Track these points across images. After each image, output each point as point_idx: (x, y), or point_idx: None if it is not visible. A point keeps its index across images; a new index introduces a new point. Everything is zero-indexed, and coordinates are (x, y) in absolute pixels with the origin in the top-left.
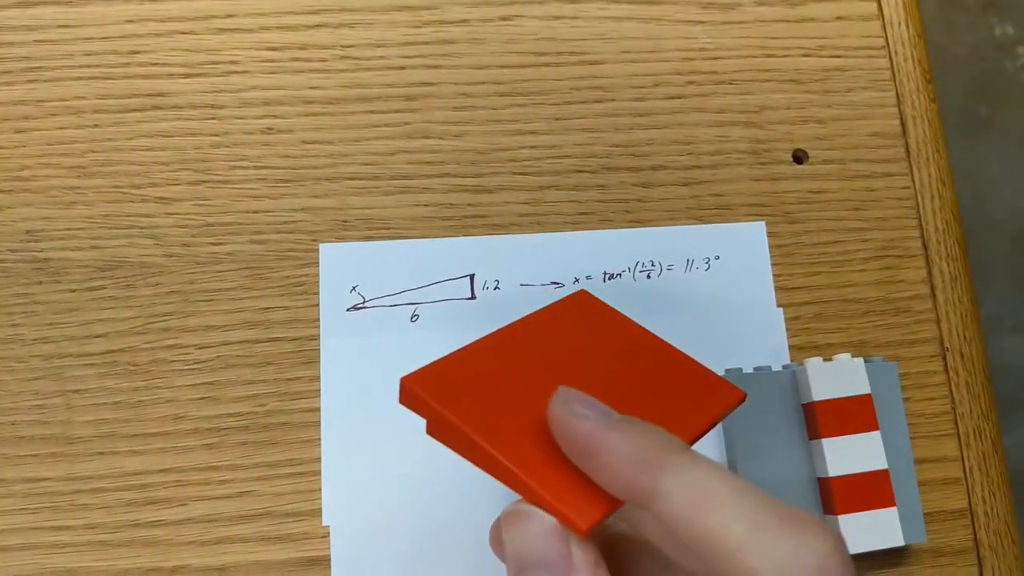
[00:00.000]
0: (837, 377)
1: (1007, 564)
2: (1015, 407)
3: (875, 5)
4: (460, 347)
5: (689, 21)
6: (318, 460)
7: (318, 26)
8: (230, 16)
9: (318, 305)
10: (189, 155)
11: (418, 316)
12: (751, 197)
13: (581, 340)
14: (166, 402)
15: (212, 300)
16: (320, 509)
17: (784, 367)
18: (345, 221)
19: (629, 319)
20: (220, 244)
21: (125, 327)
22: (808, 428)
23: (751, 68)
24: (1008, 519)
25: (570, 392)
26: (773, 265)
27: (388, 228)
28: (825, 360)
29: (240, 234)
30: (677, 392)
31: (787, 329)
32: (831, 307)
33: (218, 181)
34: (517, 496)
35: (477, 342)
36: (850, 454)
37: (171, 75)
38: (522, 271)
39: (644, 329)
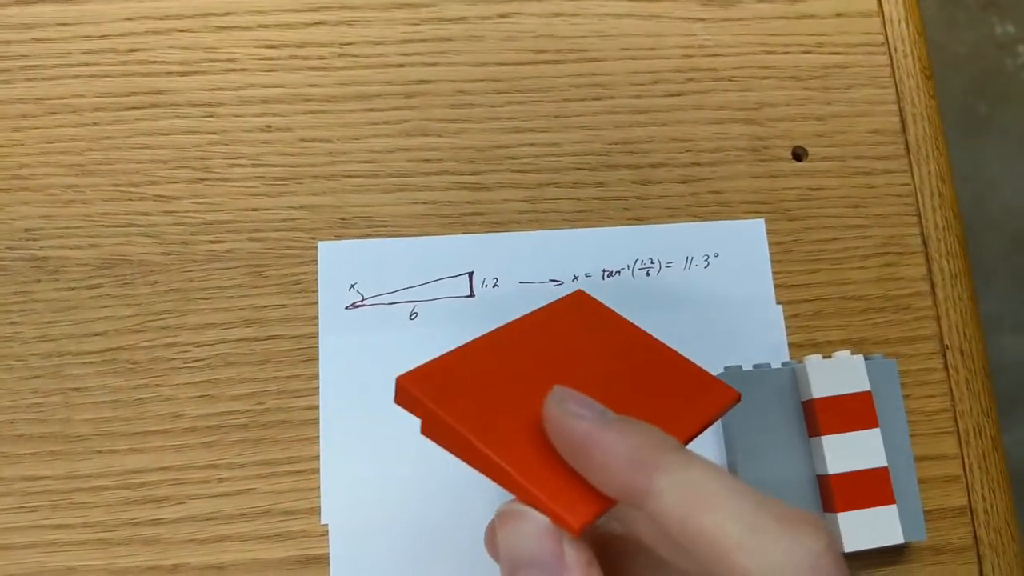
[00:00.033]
0: (837, 374)
1: (1007, 562)
2: (1015, 405)
3: (875, 2)
4: (456, 347)
5: (688, 18)
6: (317, 458)
7: (316, 24)
8: (228, 14)
9: (317, 303)
10: (188, 153)
11: (417, 314)
12: (750, 194)
13: (577, 340)
14: (165, 400)
15: (211, 298)
16: (319, 507)
17: (783, 364)
18: (344, 219)
19: (625, 319)
20: (219, 242)
21: (124, 325)
22: (808, 426)
23: (751, 65)
24: (1008, 517)
25: (566, 391)
26: (772, 262)
27: (387, 226)
28: (825, 357)
29: (239, 232)
30: (672, 392)
31: (786, 326)
32: (831, 304)
33: (217, 179)
34: (512, 496)
35: (473, 342)
36: (850, 452)
37: (169, 73)
38: (521, 269)
39: (640, 329)
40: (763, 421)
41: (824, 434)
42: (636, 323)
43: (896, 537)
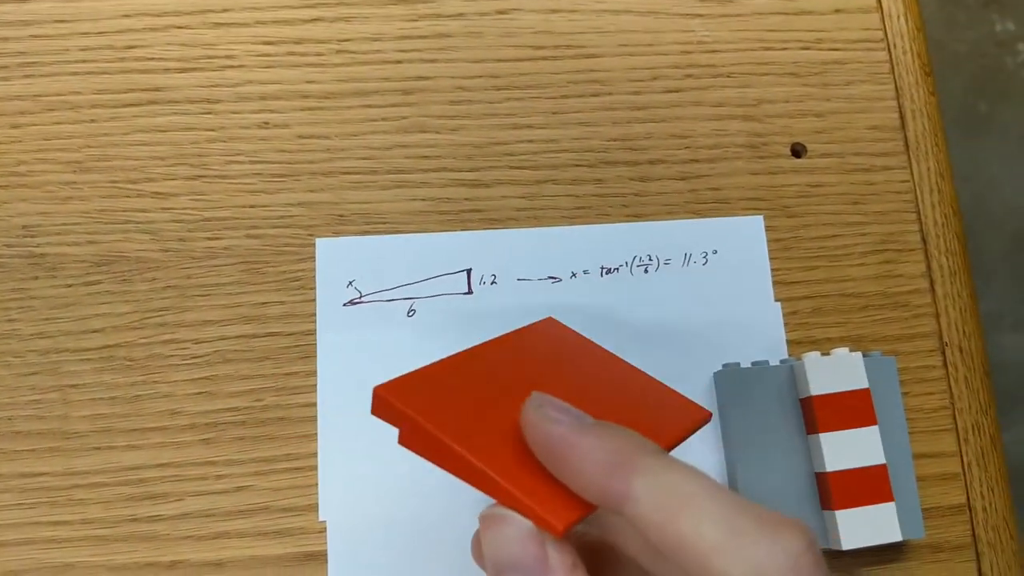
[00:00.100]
0: (835, 371)
1: (1005, 560)
2: (1015, 404)
3: None
4: (431, 362)
5: (687, 14)
6: (315, 455)
7: (314, 20)
8: (226, 10)
9: (315, 300)
10: (185, 150)
11: (415, 311)
12: (749, 191)
13: (551, 361)
14: (163, 397)
15: (209, 295)
16: (316, 504)
17: (782, 362)
18: (341, 216)
19: (597, 344)
20: (216, 239)
21: (122, 322)
22: (806, 423)
23: (749, 61)
24: (1006, 515)
25: (544, 397)
26: (771, 259)
27: (385, 223)
28: (823, 355)
29: (236, 229)
30: (644, 410)
31: (785, 323)
32: (829, 301)
33: (214, 176)
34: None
35: (447, 358)
36: (848, 449)
37: (167, 70)
38: (519, 266)
39: (611, 354)
40: (761, 419)
41: (822, 431)
42: (635, 322)
43: (894, 535)
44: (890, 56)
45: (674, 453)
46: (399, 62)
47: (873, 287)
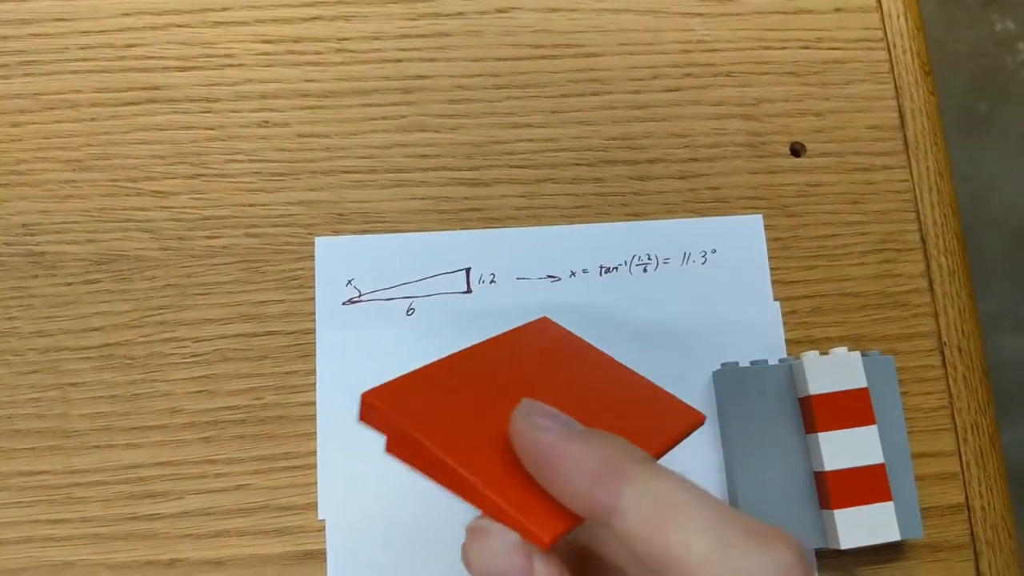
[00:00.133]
0: (834, 371)
1: (1004, 559)
2: (1015, 404)
3: None
4: (420, 366)
5: (686, 13)
6: (314, 454)
7: (313, 19)
8: (225, 9)
9: (314, 299)
10: (185, 149)
11: (414, 310)
12: (748, 190)
13: (544, 362)
14: (163, 395)
15: (208, 294)
16: (316, 503)
17: (781, 361)
18: (341, 214)
19: (591, 345)
20: (216, 238)
21: (121, 320)
22: (804, 422)
23: (749, 60)
24: (1005, 514)
25: (533, 404)
26: (770, 258)
27: (384, 221)
28: (822, 354)
29: (236, 227)
30: (638, 412)
31: (784, 323)
32: (828, 301)
33: (214, 175)
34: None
35: (437, 362)
36: (847, 448)
37: (167, 68)
38: (518, 265)
39: (606, 355)
40: (760, 418)
41: (821, 431)
42: (634, 321)
43: (893, 534)
44: (890, 56)
45: (673, 451)
46: (399, 61)
47: (872, 287)
